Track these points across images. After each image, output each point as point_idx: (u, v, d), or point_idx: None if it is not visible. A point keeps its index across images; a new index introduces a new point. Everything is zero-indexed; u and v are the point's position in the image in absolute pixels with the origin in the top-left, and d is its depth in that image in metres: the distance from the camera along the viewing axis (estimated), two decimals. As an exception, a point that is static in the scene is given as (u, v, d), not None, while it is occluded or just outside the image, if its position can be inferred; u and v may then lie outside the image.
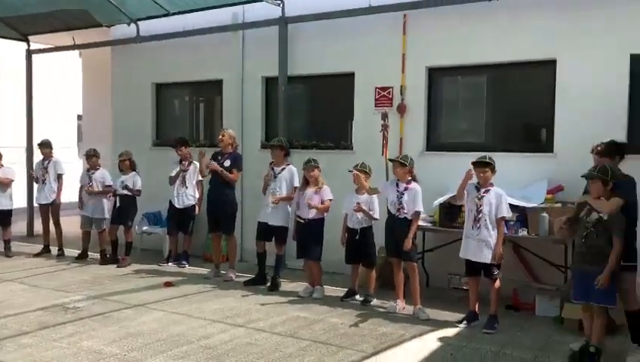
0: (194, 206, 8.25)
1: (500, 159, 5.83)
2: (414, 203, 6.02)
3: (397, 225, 6.07)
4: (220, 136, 7.54)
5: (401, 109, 7.36)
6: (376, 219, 6.44)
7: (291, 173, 7.00)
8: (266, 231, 7.04)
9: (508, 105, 7.14)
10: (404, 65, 7.35)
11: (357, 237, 6.44)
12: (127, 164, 8.20)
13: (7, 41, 11.31)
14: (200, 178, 8.20)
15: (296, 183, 6.95)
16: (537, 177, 6.43)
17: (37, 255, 8.84)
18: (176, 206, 8.22)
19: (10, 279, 7.38)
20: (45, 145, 8.98)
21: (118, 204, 8.36)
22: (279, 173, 6.99)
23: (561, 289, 5.93)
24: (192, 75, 9.14)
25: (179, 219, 8.27)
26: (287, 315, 5.99)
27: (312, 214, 6.60)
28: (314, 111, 8.62)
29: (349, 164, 6.66)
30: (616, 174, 4.66)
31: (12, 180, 8.70)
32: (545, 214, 5.96)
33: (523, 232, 6.15)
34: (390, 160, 6.35)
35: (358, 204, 6.33)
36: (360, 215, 6.37)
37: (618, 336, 5.17)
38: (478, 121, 7.36)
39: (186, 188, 8.18)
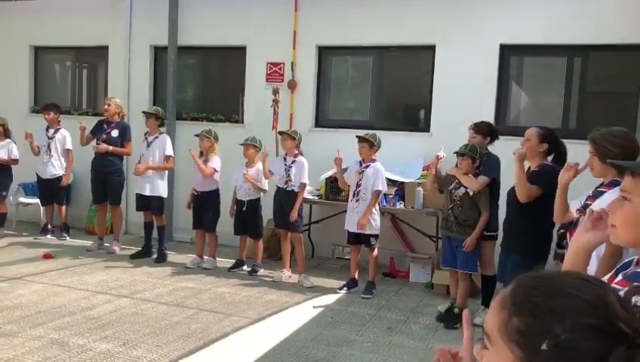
0: (61, 176, 7.83)
1: (382, 137, 6.19)
2: (301, 175, 6.26)
3: (285, 198, 6.27)
4: (106, 105, 7.30)
5: (292, 85, 7.54)
6: (264, 191, 6.61)
7: (163, 141, 6.94)
8: (141, 202, 7.00)
9: (391, 87, 7.56)
10: (295, 41, 7.51)
11: (244, 209, 6.58)
12: (0, 131, 7.70)
13: None
14: (69, 146, 7.82)
15: (169, 152, 6.93)
16: (415, 155, 6.90)
17: None
18: (42, 176, 7.83)
19: None
20: None
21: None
22: (152, 141, 6.93)
23: (433, 257, 6.47)
24: (74, 40, 8.67)
25: (48, 190, 7.87)
26: (173, 286, 6.03)
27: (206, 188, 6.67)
28: (205, 84, 8.55)
29: (240, 137, 6.75)
30: (483, 153, 5.16)
31: None
32: (420, 188, 6.44)
33: (400, 205, 6.62)
34: (280, 132, 6.52)
35: (245, 174, 6.45)
36: (248, 186, 6.51)
37: (479, 299, 5.77)
38: (363, 100, 7.72)
39: (51, 156, 7.75)
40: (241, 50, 7.80)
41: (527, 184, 4.06)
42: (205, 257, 6.82)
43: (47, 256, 6.86)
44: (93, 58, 9.01)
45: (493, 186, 5.17)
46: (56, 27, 8.68)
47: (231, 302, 5.57)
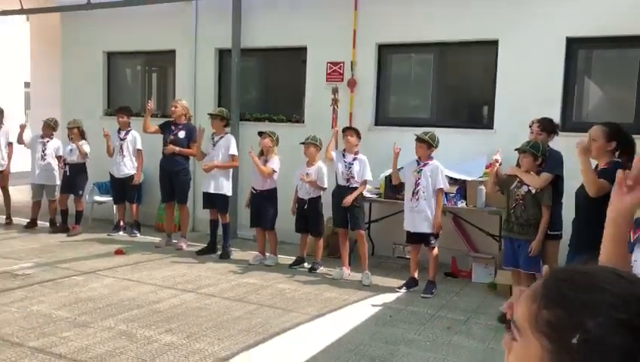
0: (133, 175, 8.22)
1: (444, 134, 6.14)
2: (364, 172, 6.29)
3: (346, 195, 6.30)
4: (173, 108, 7.60)
5: (351, 84, 7.56)
6: (324, 189, 6.68)
7: (228, 141, 7.13)
8: (208, 200, 7.21)
9: (453, 83, 7.45)
10: (354, 40, 7.53)
11: (305, 207, 6.66)
12: (76, 133, 8.14)
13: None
14: (140, 147, 8.20)
15: (233, 151, 7.11)
16: (478, 152, 6.77)
17: (-16, 223, 8.75)
18: (115, 176, 8.24)
19: (-44, 247, 7.33)
20: None
21: (67, 174, 8.31)
22: (217, 141, 7.13)
23: (496, 257, 6.33)
24: (144, 45, 9.06)
25: (121, 189, 8.28)
26: (236, 281, 6.20)
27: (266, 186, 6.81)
28: (267, 85, 8.73)
29: (301, 137, 6.85)
30: (546, 150, 5.01)
31: None
32: (482, 187, 6.31)
33: (462, 204, 6.51)
34: (345, 129, 6.56)
35: (307, 174, 6.54)
36: (309, 185, 6.59)
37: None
38: (424, 97, 7.64)
39: (124, 156, 8.16)
40: (301, 51, 7.90)
41: (594, 175, 3.90)
42: (267, 254, 6.96)
43: (118, 252, 7.21)
44: (162, 62, 9.38)
45: (557, 183, 5.00)
46: (128, 33, 9.09)
47: (291, 299, 5.67)
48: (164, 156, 7.55)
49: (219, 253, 7.24)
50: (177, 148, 7.44)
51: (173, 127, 7.56)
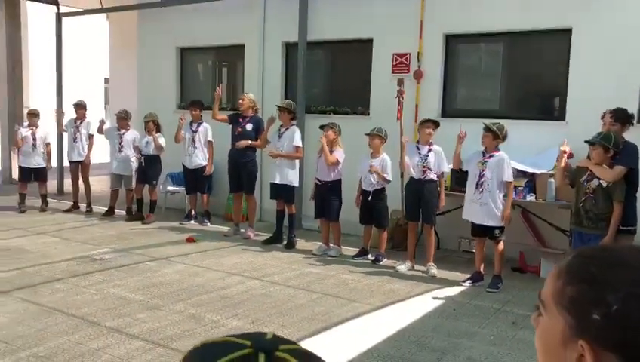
0: (205, 166, 8.52)
1: (513, 126, 5.99)
2: (440, 163, 6.26)
3: (422, 187, 6.27)
4: (240, 100, 7.80)
5: (418, 75, 7.50)
6: (388, 181, 6.67)
7: (293, 132, 7.25)
8: (276, 191, 7.37)
9: (523, 74, 7.23)
10: (421, 31, 7.45)
11: (369, 199, 6.68)
12: (151, 126, 8.51)
13: (38, 4, 11.66)
14: (211, 138, 8.46)
15: (297, 142, 7.22)
16: (549, 144, 6.55)
17: (67, 211, 9.30)
18: (187, 166, 8.56)
19: (43, 232, 7.84)
20: (80, 106, 9.38)
21: (143, 164, 8.71)
22: (283, 133, 7.26)
23: (566, 252, 6.12)
24: (215, 40, 9.34)
25: (193, 179, 8.59)
26: (300, 270, 6.31)
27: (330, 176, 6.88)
28: (332, 77, 8.79)
29: (366, 129, 6.87)
30: (618, 142, 4.79)
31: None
32: (552, 180, 6.11)
33: (531, 197, 6.33)
34: (423, 121, 6.52)
35: (372, 166, 6.56)
36: (373, 177, 6.60)
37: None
38: (493, 88, 7.47)
39: (196, 148, 8.45)
40: (367, 43, 7.90)
41: None
42: (331, 245, 7.04)
43: (189, 240, 7.50)
44: (231, 56, 9.62)
45: (632, 176, 4.78)
46: (199, 29, 9.39)
47: (354, 289, 5.72)
48: (233, 148, 7.77)
49: (284, 242, 7.39)
50: (249, 142, 7.64)
51: (240, 120, 7.76)
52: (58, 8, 11.37)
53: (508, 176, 5.69)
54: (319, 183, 7.01)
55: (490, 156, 5.72)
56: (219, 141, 8.36)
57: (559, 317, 0.82)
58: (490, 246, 5.97)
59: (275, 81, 8.75)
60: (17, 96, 12.17)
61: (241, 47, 9.08)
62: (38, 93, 15.70)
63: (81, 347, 4.10)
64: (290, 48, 8.68)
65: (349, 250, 7.07)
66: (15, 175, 10.57)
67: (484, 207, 5.69)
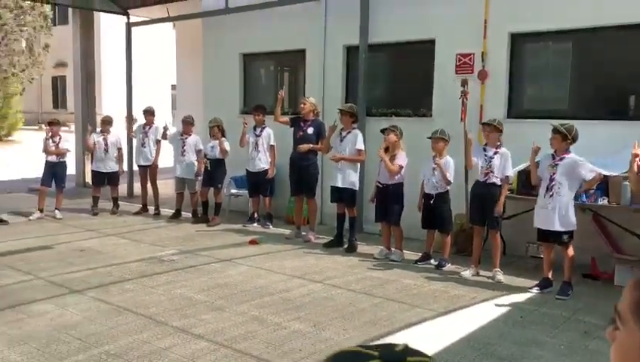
0: (267, 170, 8.61)
1: (583, 126, 5.74)
2: (505, 167, 6.08)
3: (484, 191, 6.12)
4: (302, 104, 7.86)
5: (482, 76, 7.32)
6: (449, 182, 6.54)
7: (355, 136, 7.22)
8: (336, 194, 7.37)
9: (594, 72, 6.92)
10: (485, 31, 7.27)
11: (432, 202, 6.57)
12: (216, 130, 8.71)
13: (111, 15, 12.21)
14: (273, 142, 8.55)
15: (359, 146, 7.19)
16: (622, 145, 6.22)
17: (136, 213, 9.66)
18: (250, 170, 8.68)
19: (113, 234, 8.17)
20: (149, 112, 9.74)
21: (208, 168, 8.92)
22: (345, 136, 7.24)
23: (643, 259, 5.80)
24: (277, 45, 9.46)
25: (255, 183, 8.71)
26: (362, 274, 6.28)
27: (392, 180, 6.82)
28: (394, 79, 8.72)
29: (428, 131, 6.77)
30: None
31: (68, 150, 9.37)
32: (627, 183, 5.81)
33: (603, 201, 6.05)
34: (483, 123, 6.39)
35: (437, 164, 6.43)
36: (436, 179, 6.49)
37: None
38: (561, 87, 7.19)
39: (258, 152, 8.57)
40: (429, 44, 7.79)
41: None
42: (392, 249, 6.97)
43: (252, 242, 7.62)
44: (293, 61, 9.72)
45: None
46: (261, 35, 9.54)
47: (416, 294, 5.63)
48: (294, 151, 7.84)
49: (345, 246, 7.37)
50: (310, 146, 7.69)
51: (302, 124, 7.82)
52: (128, 18, 11.84)
53: (583, 174, 5.46)
54: (380, 186, 6.95)
55: (561, 159, 5.50)
56: (281, 145, 8.45)
57: (637, 331, 0.77)
58: (559, 252, 5.74)
59: (336, 85, 8.77)
60: (91, 103, 12.75)
61: (302, 51, 9.15)
62: (110, 101, 16.48)
63: (149, 346, 4.23)
64: (351, 51, 8.67)
65: (412, 255, 6.97)
66: (89, 179, 11.07)
67: (552, 211, 5.48)
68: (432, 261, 6.72)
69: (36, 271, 6.13)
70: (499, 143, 6.17)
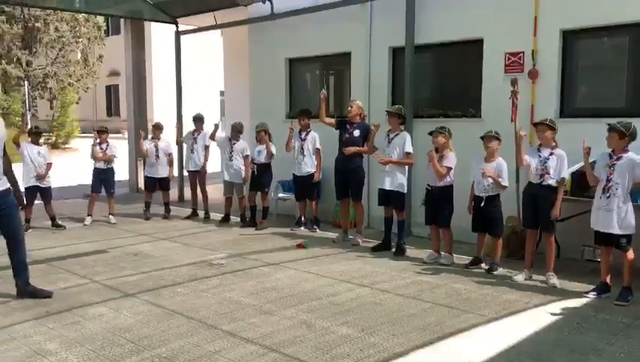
0: (313, 173, 8.61)
1: (641, 125, 5.49)
2: (561, 168, 5.89)
3: (539, 193, 5.94)
4: (349, 108, 7.84)
5: (533, 75, 7.12)
6: (504, 187, 6.38)
7: (403, 138, 7.13)
8: (384, 197, 7.28)
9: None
10: (536, 28, 7.07)
11: (482, 205, 6.43)
12: (263, 135, 8.80)
13: (162, 25, 12.54)
14: (319, 146, 8.55)
15: (408, 148, 7.09)
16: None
17: (187, 217, 9.85)
18: (297, 174, 8.70)
19: (165, 238, 8.35)
20: (198, 119, 9.93)
21: (255, 173, 9.01)
22: (393, 138, 7.16)
23: None
24: (322, 49, 9.48)
25: (302, 187, 8.73)
26: (411, 279, 6.20)
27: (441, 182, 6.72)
28: (441, 80, 8.59)
29: (478, 132, 6.64)
30: None
31: (115, 157, 9.51)
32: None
33: (664, 202, 5.76)
34: (535, 124, 6.23)
35: (486, 169, 6.29)
36: (487, 182, 6.35)
37: None
38: (617, 84, 6.90)
39: (304, 156, 8.57)
40: (477, 43, 7.64)
41: None
42: (442, 253, 6.85)
43: (299, 246, 7.65)
44: (338, 65, 9.71)
45: None
46: (306, 39, 9.58)
47: (467, 299, 5.52)
48: (339, 154, 7.82)
49: (393, 249, 7.30)
50: (356, 148, 7.66)
51: (348, 126, 7.80)
52: (177, 27, 12.12)
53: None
54: (430, 189, 6.85)
55: (618, 158, 5.28)
56: (326, 148, 8.46)
57: None
58: (618, 256, 5.51)
59: (382, 87, 8.71)
60: (142, 110, 13.11)
61: (348, 54, 9.13)
62: (162, 108, 16.90)
63: (199, 349, 4.29)
64: (397, 53, 8.59)
65: (462, 258, 6.84)
66: (141, 184, 11.37)
67: (610, 213, 5.27)
68: (483, 265, 6.57)
69: (92, 274, 6.33)
70: (554, 144, 5.97)
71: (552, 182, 5.88)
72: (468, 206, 6.64)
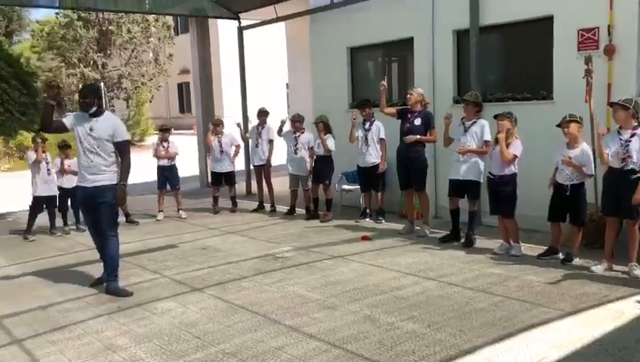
0: (378, 164, 8.46)
1: None
2: None
3: (621, 178, 5.54)
4: (408, 95, 7.63)
5: (609, 51, 6.64)
6: (590, 176, 6.00)
7: (481, 126, 6.83)
8: (457, 187, 7.01)
9: None
10: (612, 1, 6.59)
11: (567, 194, 6.05)
12: (321, 127, 8.72)
13: (226, 21, 12.72)
14: (383, 136, 8.38)
15: (487, 137, 6.77)
16: None
17: (253, 211, 9.96)
18: (361, 165, 8.57)
19: (232, 231, 8.47)
20: (262, 113, 10.01)
21: (315, 165, 8.98)
22: (469, 127, 6.88)
23: None
24: (383, 36, 9.28)
25: (367, 178, 8.60)
26: (480, 271, 5.97)
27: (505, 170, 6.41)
28: (508, 62, 8.20)
29: (549, 115, 6.30)
30: None
31: (176, 154, 9.64)
32: None
33: None
34: (611, 104, 5.82)
35: (568, 157, 5.92)
36: (570, 170, 5.98)
37: None
38: None
39: (368, 146, 8.42)
40: (546, 21, 7.21)
41: None
42: (512, 243, 6.55)
43: (364, 238, 7.54)
44: (400, 51, 9.48)
45: None
46: (367, 27, 9.40)
47: (540, 292, 5.24)
48: (401, 144, 7.62)
49: (462, 240, 7.06)
50: (417, 137, 7.45)
51: (409, 115, 7.58)
52: (239, 22, 12.23)
53: None
54: (492, 177, 6.55)
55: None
56: (388, 138, 8.28)
57: None
58: None
59: (447, 72, 8.41)
60: (210, 106, 13.37)
61: (410, 40, 8.89)
62: (231, 103, 17.20)
63: (262, 345, 4.29)
64: (461, 36, 8.27)
65: (533, 248, 6.52)
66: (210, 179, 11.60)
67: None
68: (560, 255, 6.22)
69: (162, 269, 6.50)
70: (636, 124, 5.54)
71: (634, 166, 5.46)
72: (550, 181, 6.25)
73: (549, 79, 7.30)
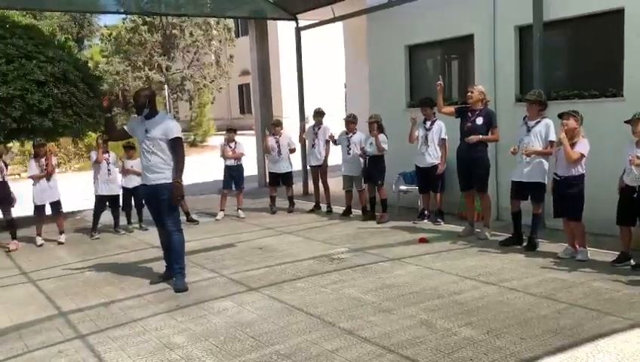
0: (437, 165, 8.30)
1: None
2: None
3: None
4: (469, 93, 7.41)
5: (686, 44, 6.25)
6: None
7: (546, 126, 6.54)
8: (519, 189, 6.76)
9: None
10: (689, -9, 6.20)
11: (636, 196, 5.73)
12: (374, 126, 8.62)
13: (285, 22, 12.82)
14: (444, 136, 8.20)
15: (552, 137, 6.48)
16: None
17: (310, 211, 9.98)
18: (419, 165, 8.42)
19: (289, 232, 8.51)
20: (318, 114, 10.02)
21: (366, 165, 8.90)
22: (533, 126, 6.61)
23: None
24: (442, 34, 9.09)
25: (425, 178, 8.45)
26: (543, 276, 5.73)
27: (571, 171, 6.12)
28: (573, 58, 7.84)
29: (618, 112, 5.98)
30: None
31: (243, 154, 9.79)
32: None
33: None
34: None
35: (637, 157, 5.59)
36: (638, 171, 5.65)
37: None
38: None
39: (428, 146, 8.28)
40: (617, 14, 6.84)
41: None
42: (579, 248, 6.25)
43: (422, 240, 7.40)
44: (460, 48, 9.24)
45: None
46: (426, 24, 9.23)
47: (609, 300, 4.97)
48: (461, 144, 7.42)
49: (524, 244, 6.81)
50: (480, 137, 7.23)
51: (469, 114, 7.36)
52: (297, 23, 12.29)
53: None
54: (557, 178, 6.27)
55: None
56: (451, 138, 8.08)
57: None
58: None
59: (509, 70, 8.13)
60: (268, 107, 13.51)
61: (470, 37, 8.66)
62: (291, 104, 17.31)
63: (316, 347, 4.26)
64: (524, 32, 7.98)
65: (602, 253, 6.20)
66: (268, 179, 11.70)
67: None
68: (632, 261, 5.88)
69: (219, 268, 6.60)
70: None
71: None
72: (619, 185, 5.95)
73: (619, 75, 6.92)
